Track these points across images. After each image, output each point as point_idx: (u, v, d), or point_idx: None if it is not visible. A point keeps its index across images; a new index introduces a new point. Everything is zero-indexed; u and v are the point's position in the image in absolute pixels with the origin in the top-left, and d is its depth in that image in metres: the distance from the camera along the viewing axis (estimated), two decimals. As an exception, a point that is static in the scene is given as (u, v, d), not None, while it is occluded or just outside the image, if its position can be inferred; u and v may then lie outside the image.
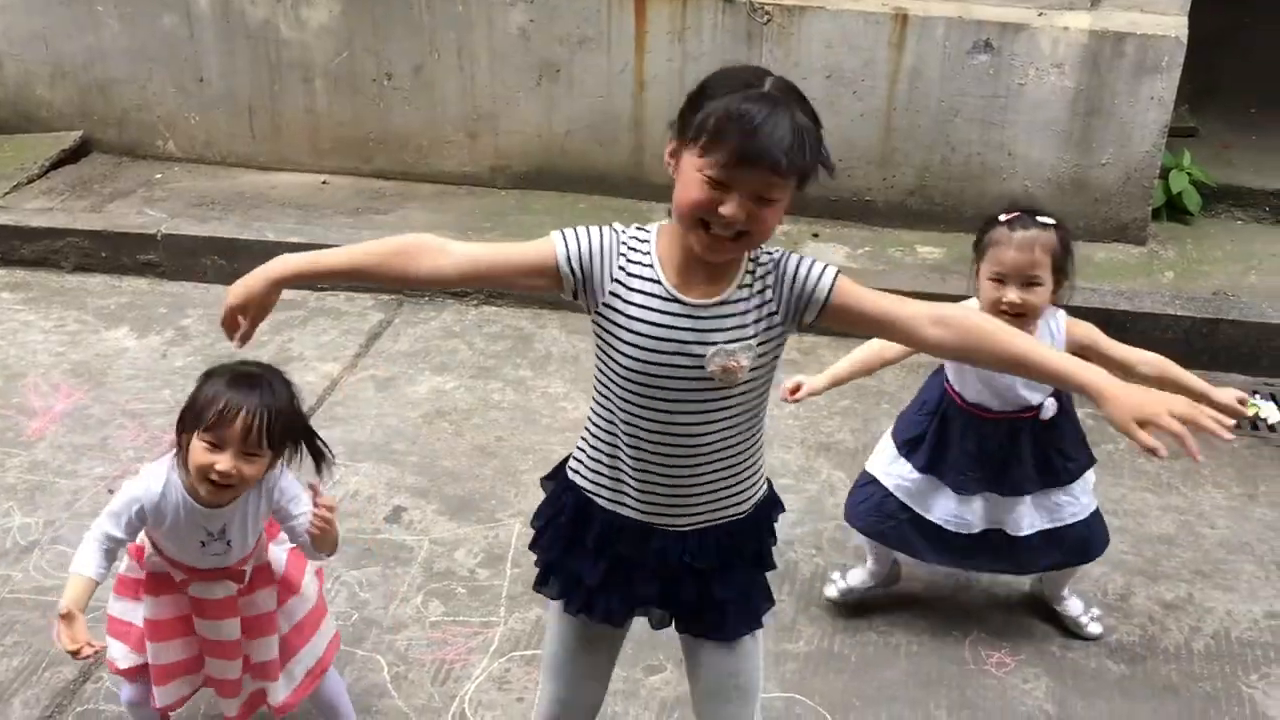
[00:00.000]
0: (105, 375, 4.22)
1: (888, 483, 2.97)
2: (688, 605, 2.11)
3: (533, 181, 5.52)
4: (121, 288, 4.92)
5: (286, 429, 2.32)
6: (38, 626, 3.07)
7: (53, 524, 3.47)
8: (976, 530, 2.92)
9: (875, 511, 3.01)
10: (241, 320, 2.03)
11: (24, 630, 3.07)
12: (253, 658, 2.50)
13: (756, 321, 1.92)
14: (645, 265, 1.92)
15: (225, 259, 4.95)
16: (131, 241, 4.99)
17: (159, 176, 5.74)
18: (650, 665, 2.97)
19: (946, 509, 2.92)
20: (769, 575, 2.21)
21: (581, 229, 1.95)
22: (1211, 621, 3.20)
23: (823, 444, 3.93)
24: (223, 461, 2.23)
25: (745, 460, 2.05)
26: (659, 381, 1.93)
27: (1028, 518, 2.91)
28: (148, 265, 4.98)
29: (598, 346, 1.99)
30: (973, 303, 2.79)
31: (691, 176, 1.80)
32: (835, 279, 1.93)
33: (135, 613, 2.49)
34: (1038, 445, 2.85)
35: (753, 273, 1.93)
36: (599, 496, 2.07)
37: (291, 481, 2.44)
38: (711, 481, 2.02)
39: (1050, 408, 2.81)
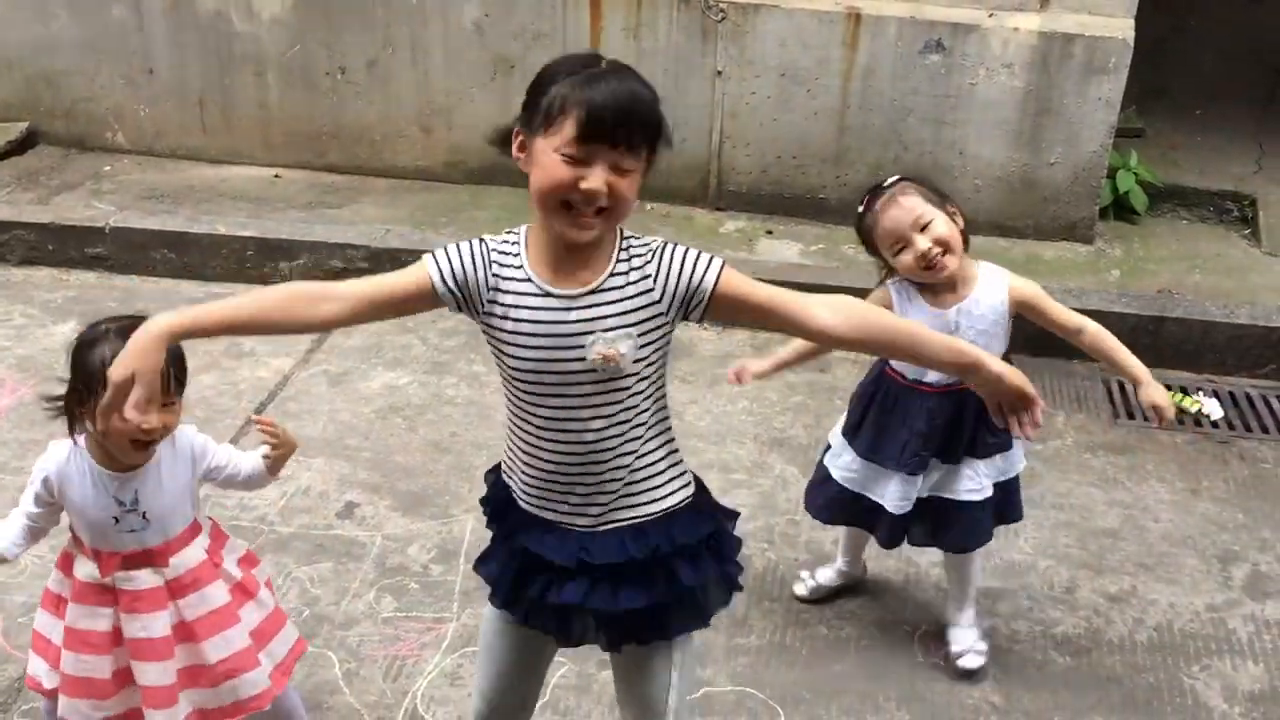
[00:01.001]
0: (52, 370, 4.16)
1: (835, 474, 2.97)
2: (599, 614, 2.04)
3: (487, 177, 5.50)
4: (69, 281, 4.86)
5: (185, 367, 2.29)
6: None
7: (-2, 521, 3.41)
8: (906, 509, 2.88)
9: (832, 503, 3.01)
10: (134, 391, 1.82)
11: (-32, 628, 3.03)
12: (209, 659, 2.37)
13: (635, 309, 1.91)
14: (515, 267, 1.94)
15: (175, 252, 4.90)
16: (79, 234, 4.93)
17: (108, 169, 5.67)
18: (603, 660, 2.97)
19: (895, 492, 2.87)
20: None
21: (453, 246, 1.96)
22: (1155, 614, 3.26)
23: (775, 439, 3.96)
24: (149, 421, 2.15)
25: (644, 458, 2.01)
26: (546, 376, 1.93)
27: (976, 479, 2.85)
28: (96, 259, 4.91)
29: (492, 353, 2.00)
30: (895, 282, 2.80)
31: (548, 159, 1.82)
32: (721, 271, 1.93)
33: (57, 629, 2.39)
34: (977, 416, 2.76)
35: (627, 260, 1.93)
36: (517, 495, 2.07)
37: (202, 440, 2.40)
38: (607, 478, 1.99)
39: None
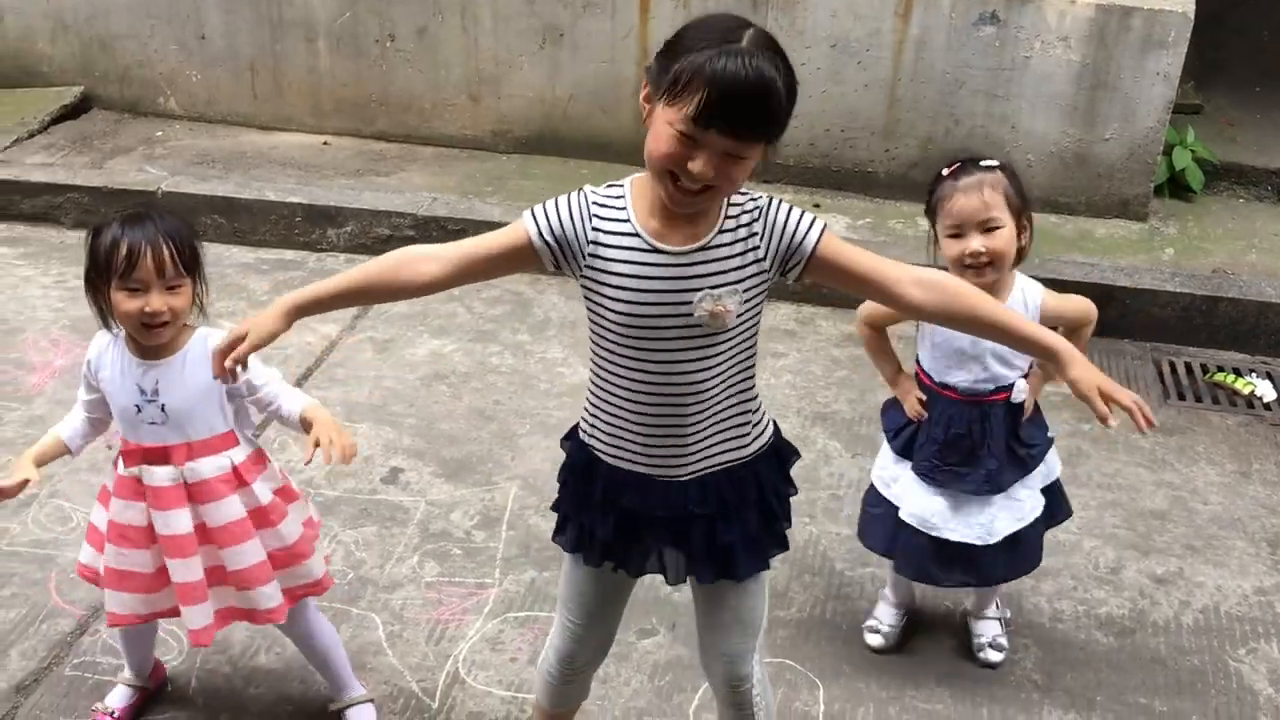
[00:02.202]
0: (104, 332, 4.23)
1: (874, 476, 2.91)
2: (697, 552, 2.11)
3: (534, 146, 5.50)
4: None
5: (195, 253, 2.35)
6: (35, 579, 3.09)
7: (50, 478, 3.48)
8: (931, 532, 2.77)
9: (864, 511, 2.95)
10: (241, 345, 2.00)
11: (22, 583, 3.09)
12: (227, 566, 2.45)
13: (741, 267, 1.93)
14: (621, 220, 1.93)
15: (224, 218, 4.95)
16: (132, 198, 4.97)
17: (160, 134, 5.72)
18: (643, 629, 2.99)
19: (914, 504, 2.79)
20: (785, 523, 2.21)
21: (550, 202, 1.95)
22: (1201, 596, 3.22)
23: (819, 413, 3.94)
24: (151, 302, 2.27)
25: (740, 406, 2.06)
26: (650, 332, 1.94)
27: (1000, 522, 2.75)
28: (148, 223, 4.97)
29: (588, 308, 2.00)
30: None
31: (663, 129, 1.79)
32: (822, 233, 1.95)
33: (105, 520, 2.51)
34: (1008, 432, 2.71)
35: (735, 217, 1.93)
36: (603, 453, 2.09)
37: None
38: (708, 428, 2.03)
39: (1021, 389, 2.69)
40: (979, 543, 2.75)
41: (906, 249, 4.67)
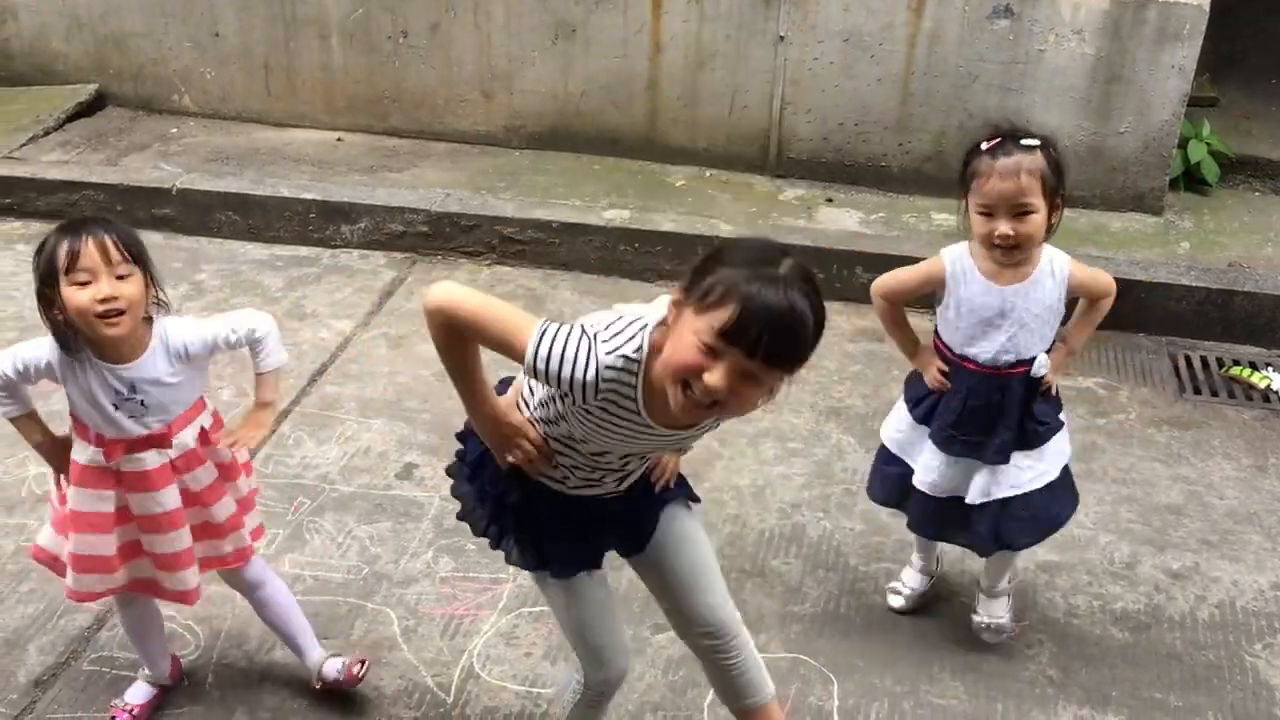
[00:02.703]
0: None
1: (884, 437, 2.94)
2: (623, 533, 2.26)
3: (547, 142, 5.50)
4: None
5: (138, 244, 2.35)
6: (52, 575, 3.10)
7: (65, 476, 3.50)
8: (942, 495, 2.82)
9: (876, 470, 2.99)
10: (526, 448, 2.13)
11: (39, 578, 3.10)
12: (215, 518, 2.54)
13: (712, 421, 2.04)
14: (628, 399, 1.93)
15: (239, 214, 4.96)
16: (147, 195, 5.01)
17: (174, 131, 5.74)
18: (657, 624, 2.99)
19: (925, 462, 2.82)
20: None
21: (558, 352, 1.89)
22: (1217, 591, 3.21)
23: (832, 408, 3.94)
24: (100, 289, 2.27)
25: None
26: (600, 454, 2.08)
27: (995, 486, 2.77)
28: (163, 219, 4.99)
29: (556, 399, 2.01)
30: (960, 246, 2.71)
31: (687, 337, 1.80)
32: None
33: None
34: (1022, 406, 2.72)
35: None
36: (547, 486, 2.19)
37: (187, 337, 2.42)
38: (638, 476, 2.21)
39: (1042, 363, 2.69)
40: (970, 501, 2.79)
41: (919, 243, 4.67)
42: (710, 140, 5.30)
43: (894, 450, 2.90)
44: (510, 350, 1.95)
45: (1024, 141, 2.53)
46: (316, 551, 3.24)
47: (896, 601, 3.08)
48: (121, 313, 2.30)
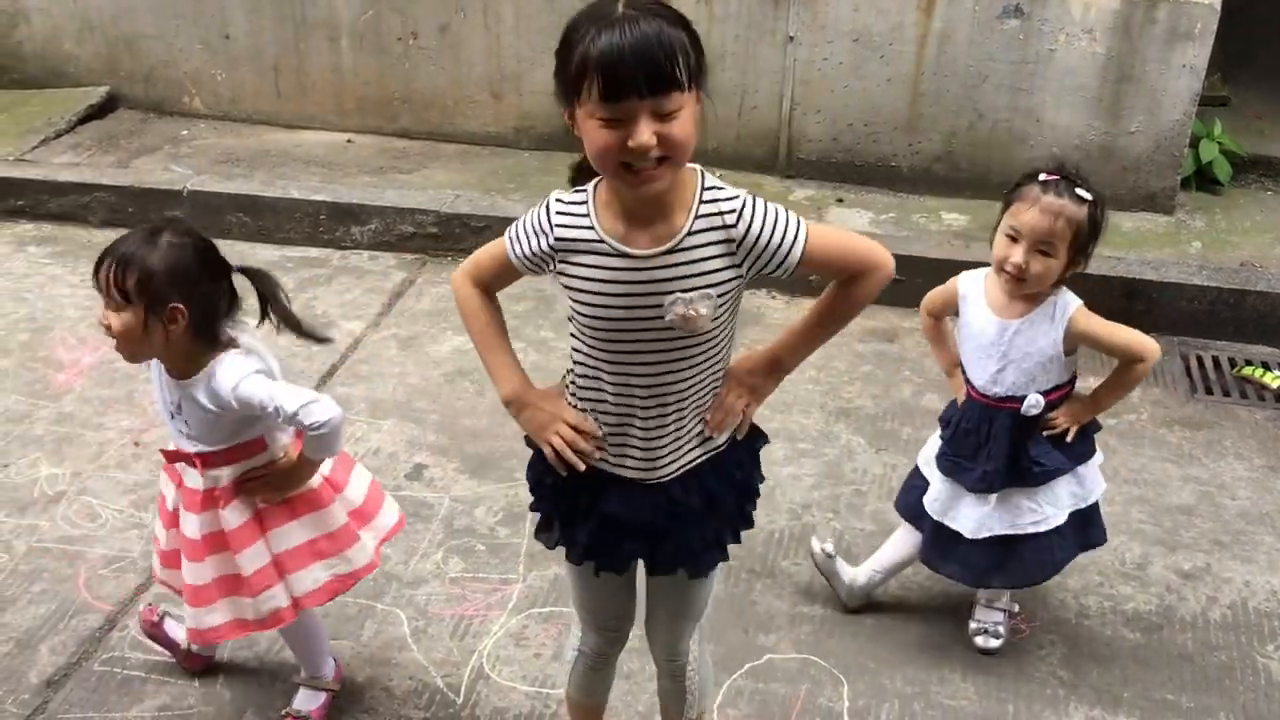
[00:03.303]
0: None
1: (919, 458, 2.96)
2: (669, 550, 2.11)
3: (557, 143, 5.50)
4: None
5: (145, 283, 2.23)
6: (64, 575, 3.12)
7: (80, 475, 3.52)
8: (936, 516, 2.83)
9: (906, 482, 3.02)
10: (564, 432, 2.06)
11: (52, 579, 3.12)
12: (242, 570, 2.45)
13: (715, 271, 1.88)
14: (584, 227, 1.91)
15: (249, 216, 4.98)
16: (158, 197, 5.02)
17: (185, 133, 5.76)
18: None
19: (933, 487, 2.84)
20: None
21: (520, 220, 1.99)
22: (1229, 592, 3.20)
23: (842, 409, 3.93)
24: (99, 311, 2.28)
25: (708, 400, 2.04)
26: (622, 334, 1.93)
27: (989, 519, 2.77)
28: (174, 222, 4.99)
29: (569, 313, 2.00)
30: (981, 271, 2.72)
31: (589, 127, 1.76)
32: (807, 238, 1.89)
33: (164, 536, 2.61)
34: (1011, 440, 2.70)
35: (707, 217, 1.87)
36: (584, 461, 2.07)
37: (233, 386, 2.29)
38: (684, 427, 2.02)
39: (1033, 404, 2.66)
40: (968, 535, 2.78)
41: (929, 243, 4.67)
42: (720, 140, 5.29)
43: (922, 468, 2.93)
44: (504, 266, 2.04)
45: (1078, 191, 2.55)
46: (327, 552, 3.24)
47: (990, 644, 2.98)
48: (117, 340, 2.30)
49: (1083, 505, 2.83)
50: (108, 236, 5.24)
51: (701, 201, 1.87)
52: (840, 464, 3.66)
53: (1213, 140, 5.22)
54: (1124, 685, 2.89)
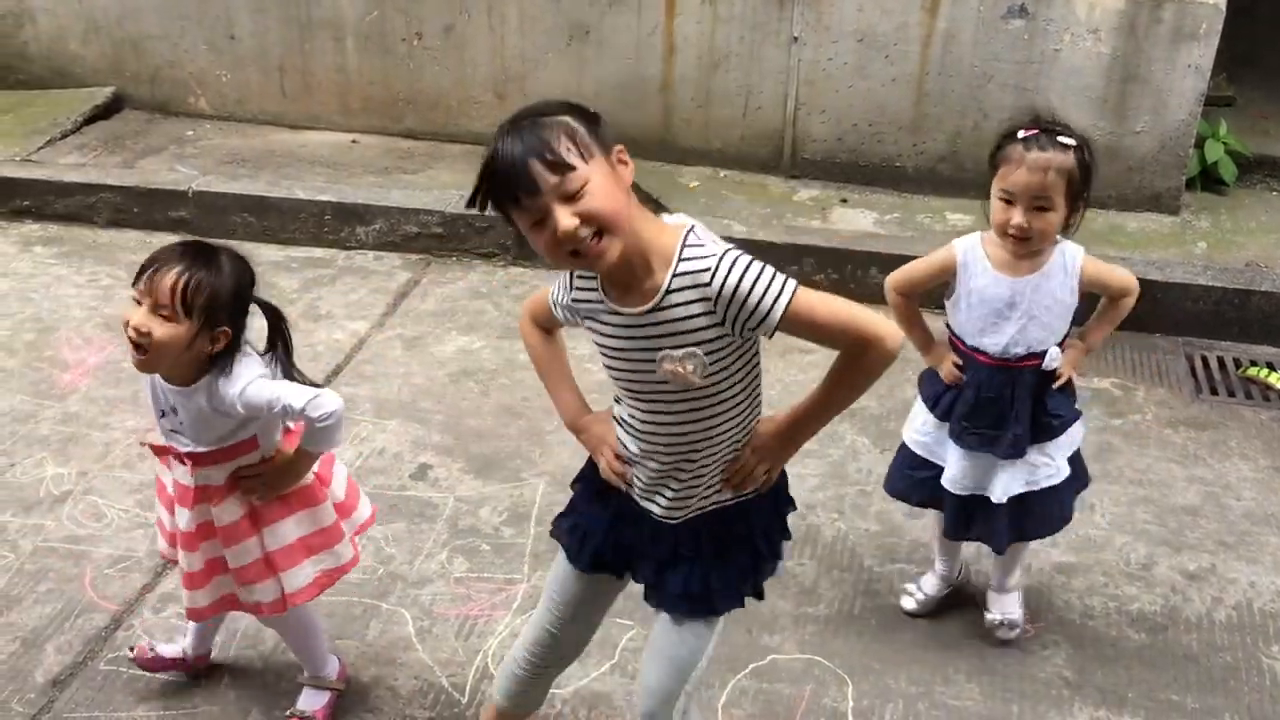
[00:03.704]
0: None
1: (908, 439, 2.92)
2: (675, 587, 2.13)
3: (561, 143, 5.50)
4: (154, 243, 4.81)
5: (211, 303, 2.26)
6: (70, 575, 3.13)
7: (85, 475, 3.52)
8: (965, 492, 2.81)
9: (898, 470, 2.97)
10: (607, 455, 2.16)
11: (57, 578, 3.12)
12: (231, 563, 2.48)
13: (698, 329, 1.88)
14: (591, 288, 1.99)
15: (255, 216, 4.99)
16: (164, 198, 5.03)
17: (190, 133, 5.77)
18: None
19: (951, 463, 2.81)
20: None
21: (559, 278, 2.08)
22: (1234, 593, 3.19)
23: (849, 409, 3.92)
24: (136, 315, 2.25)
25: (728, 454, 2.06)
26: (630, 384, 2.01)
27: (1010, 481, 2.77)
28: (179, 221, 5.01)
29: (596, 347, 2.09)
30: (973, 236, 2.71)
31: (528, 236, 1.85)
32: (790, 300, 1.84)
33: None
34: (1034, 399, 2.71)
35: (683, 275, 1.86)
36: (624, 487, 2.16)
37: (239, 391, 2.31)
38: (697, 473, 2.06)
39: (1054, 357, 2.67)
40: (995, 499, 2.78)
41: (934, 243, 4.62)
42: (724, 141, 5.29)
43: (921, 454, 2.88)
44: (548, 310, 2.15)
45: (1060, 139, 2.52)
46: (332, 552, 3.25)
47: (909, 604, 3.07)
48: (144, 348, 2.26)
49: (1075, 449, 2.84)
50: (113, 237, 5.28)
51: (680, 259, 1.88)
52: (845, 464, 3.66)
53: (1218, 140, 5.21)
54: (1129, 686, 2.89)
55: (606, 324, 1.97)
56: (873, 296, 3.08)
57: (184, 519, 2.45)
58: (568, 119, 1.82)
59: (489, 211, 1.88)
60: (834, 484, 3.57)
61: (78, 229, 5.03)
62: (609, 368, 2.03)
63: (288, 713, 2.71)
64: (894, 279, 2.79)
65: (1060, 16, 4.83)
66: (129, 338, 2.27)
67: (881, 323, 1.93)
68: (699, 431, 2.00)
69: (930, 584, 3.08)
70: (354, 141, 5.71)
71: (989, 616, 2.99)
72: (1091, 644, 3.01)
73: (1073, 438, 2.84)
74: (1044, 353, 2.68)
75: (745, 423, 2.05)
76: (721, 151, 5.32)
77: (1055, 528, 2.91)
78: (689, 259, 1.87)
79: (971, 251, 2.68)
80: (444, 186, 5.18)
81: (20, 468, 3.56)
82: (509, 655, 2.36)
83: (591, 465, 2.23)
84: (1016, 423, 2.72)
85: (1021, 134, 2.55)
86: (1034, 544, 3.06)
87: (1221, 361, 4.29)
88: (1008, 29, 4.90)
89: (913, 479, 2.93)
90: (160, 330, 2.24)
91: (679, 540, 2.11)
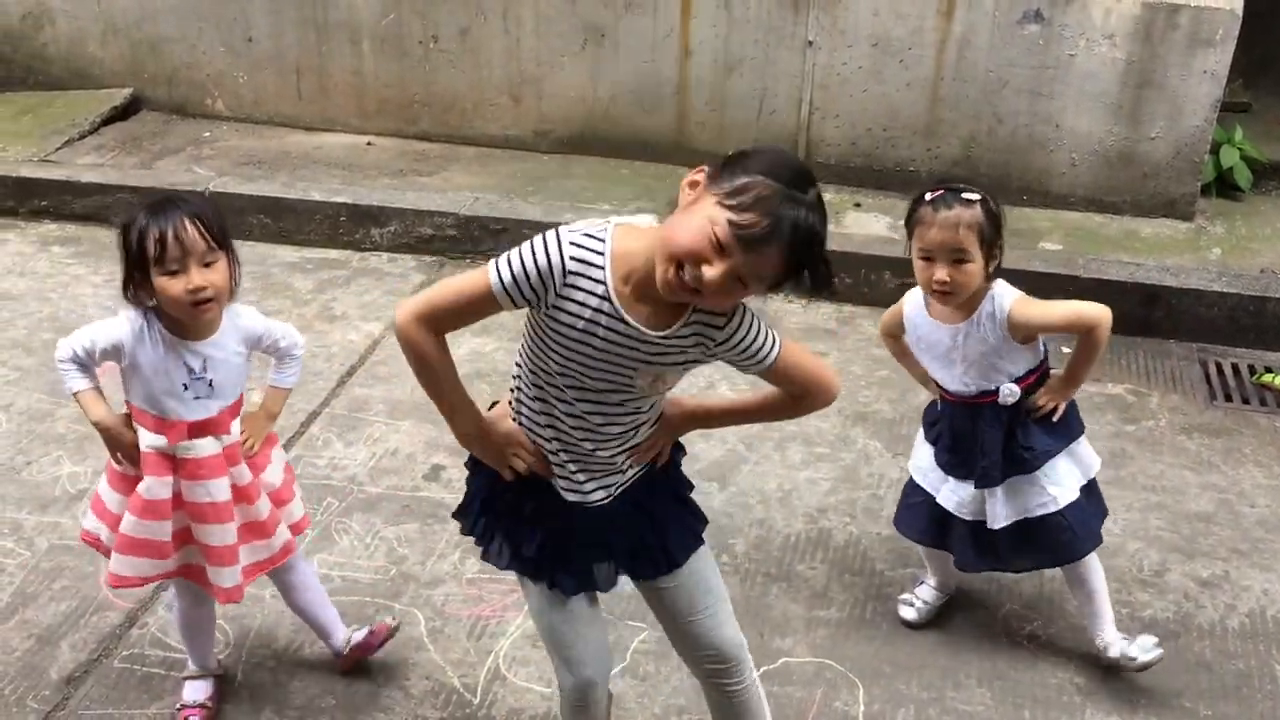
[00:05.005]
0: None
1: (911, 468, 3.00)
2: (627, 554, 2.19)
3: (575, 146, 5.52)
4: None
5: (224, 225, 2.40)
6: (85, 572, 3.15)
7: (100, 473, 3.53)
8: (968, 517, 2.87)
9: (901, 502, 3.04)
10: (524, 455, 2.14)
11: (72, 576, 3.14)
12: (260, 515, 2.57)
13: (689, 350, 1.99)
14: (596, 281, 1.91)
15: (270, 217, 5.01)
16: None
17: (207, 135, 5.80)
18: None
19: (947, 491, 2.89)
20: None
21: (517, 255, 1.90)
22: (1248, 600, 3.18)
23: (859, 413, 3.93)
24: (192, 279, 2.32)
25: (650, 428, 2.14)
26: (586, 382, 2.00)
27: (1002, 508, 2.82)
28: (195, 222, 5.03)
29: (531, 335, 2.02)
30: (917, 292, 2.79)
31: (700, 223, 1.81)
32: (776, 360, 2.02)
33: (119, 503, 2.56)
34: (1004, 431, 2.77)
35: (699, 319, 1.96)
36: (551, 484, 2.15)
37: (262, 323, 2.56)
38: (620, 456, 2.12)
39: (1008, 393, 2.73)
40: (991, 526, 2.83)
41: (948, 249, 4.64)
42: (739, 144, 5.24)
43: (918, 480, 2.97)
44: (479, 301, 1.95)
45: (964, 195, 2.63)
46: (344, 552, 3.26)
47: (908, 614, 3.06)
48: (211, 300, 2.37)
49: (1088, 478, 2.87)
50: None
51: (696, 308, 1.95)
52: (857, 468, 3.66)
53: (1233, 146, 5.20)
54: (1140, 693, 2.88)
55: (598, 323, 1.92)
56: (885, 301, 3.09)
57: (221, 488, 2.50)
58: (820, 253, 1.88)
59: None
60: (846, 488, 3.57)
61: (95, 229, 5.05)
62: (564, 364, 1.96)
63: (346, 644, 2.79)
64: (880, 323, 2.97)
65: (1076, 22, 4.83)
66: (196, 301, 2.34)
67: (833, 379, 2.13)
68: (631, 421, 2.07)
69: (927, 593, 3.09)
70: (369, 144, 5.73)
71: (1112, 654, 2.87)
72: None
73: (1082, 467, 2.85)
74: (997, 390, 2.75)
75: (658, 414, 2.15)
76: (735, 155, 5.32)
77: (1066, 556, 2.87)
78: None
79: (914, 303, 2.81)
80: (458, 189, 5.19)
81: (37, 466, 3.58)
82: (562, 700, 2.35)
83: (488, 481, 2.18)
84: (984, 455, 2.79)
85: (928, 196, 2.66)
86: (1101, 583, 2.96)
87: (1236, 368, 4.28)
88: (1023, 34, 4.89)
89: (908, 504, 3.01)
90: (216, 274, 2.37)
91: (615, 516, 2.15)
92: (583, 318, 1.92)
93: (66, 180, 5.15)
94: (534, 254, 1.90)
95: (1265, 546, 3.38)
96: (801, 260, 1.82)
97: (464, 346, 4.29)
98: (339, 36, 5.62)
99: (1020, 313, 2.68)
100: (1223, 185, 5.24)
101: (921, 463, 2.96)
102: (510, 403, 2.16)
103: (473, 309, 1.98)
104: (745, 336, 1.98)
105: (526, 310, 1.99)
